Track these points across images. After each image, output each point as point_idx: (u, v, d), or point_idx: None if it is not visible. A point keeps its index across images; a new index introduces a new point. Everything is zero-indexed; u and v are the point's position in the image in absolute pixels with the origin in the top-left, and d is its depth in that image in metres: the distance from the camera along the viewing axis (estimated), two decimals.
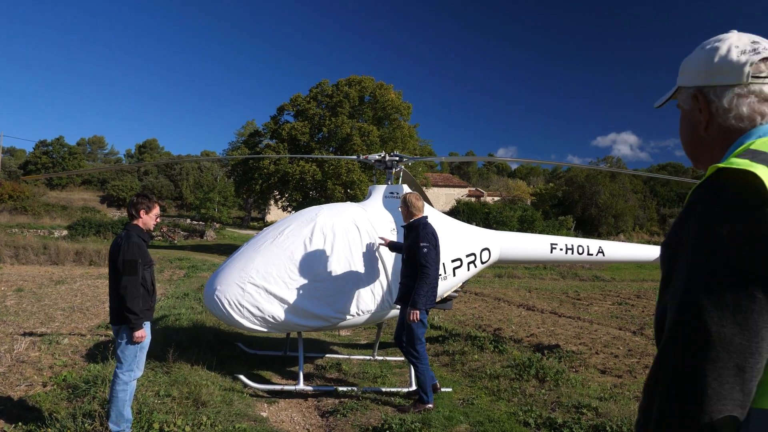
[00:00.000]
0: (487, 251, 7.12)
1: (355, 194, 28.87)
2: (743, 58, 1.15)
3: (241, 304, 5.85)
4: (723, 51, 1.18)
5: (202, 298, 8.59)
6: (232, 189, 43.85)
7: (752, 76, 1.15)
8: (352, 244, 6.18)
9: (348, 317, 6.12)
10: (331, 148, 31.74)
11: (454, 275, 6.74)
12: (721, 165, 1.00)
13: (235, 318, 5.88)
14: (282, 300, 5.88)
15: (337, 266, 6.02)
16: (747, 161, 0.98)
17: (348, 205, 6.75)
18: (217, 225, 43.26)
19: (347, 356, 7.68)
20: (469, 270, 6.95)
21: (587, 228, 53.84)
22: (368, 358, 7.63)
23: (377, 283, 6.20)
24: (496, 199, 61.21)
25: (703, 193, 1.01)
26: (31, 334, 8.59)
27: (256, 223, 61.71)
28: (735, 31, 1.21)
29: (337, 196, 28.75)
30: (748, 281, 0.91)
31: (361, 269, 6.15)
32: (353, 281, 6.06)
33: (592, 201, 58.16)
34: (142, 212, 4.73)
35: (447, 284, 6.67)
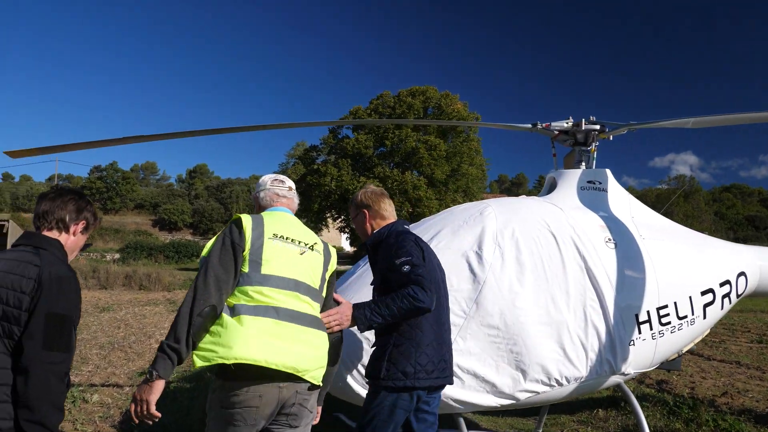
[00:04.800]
0: (743, 277, 4.41)
1: (422, 212, 26.17)
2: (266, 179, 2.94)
3: (359, 365, 3.46)
4: (261, 181, 2.95)
5: None
6: None
7: (270, 186, 2.85)
8: (548, 263, 3.63)
9: (538, 388, 3.56)
10: (392, 164, 29.55)
11: (705, 317, 4.06)
12: (236, 215, 2.58)
13: (350, 385, 3.48)
14: None
15: (525, 301, 3.51)
16: (246, 215, 2.58)
17: (530, 201, 4.20)
18: None
19: None
20: (722, 308, 4.27)
21: None
22: None
23: (591, 330, 3.62)
24: None
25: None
26: None
27: None
28: (272, 174, 2.93)
29: (403, 215, 26.20)
30: (227, 248, 2.45)
31: (565, 306, 3.59)
32: (550, 328, 3.51)
33: None
34: (76, 226, 2.32)
35: (694, 330, 4.03)
